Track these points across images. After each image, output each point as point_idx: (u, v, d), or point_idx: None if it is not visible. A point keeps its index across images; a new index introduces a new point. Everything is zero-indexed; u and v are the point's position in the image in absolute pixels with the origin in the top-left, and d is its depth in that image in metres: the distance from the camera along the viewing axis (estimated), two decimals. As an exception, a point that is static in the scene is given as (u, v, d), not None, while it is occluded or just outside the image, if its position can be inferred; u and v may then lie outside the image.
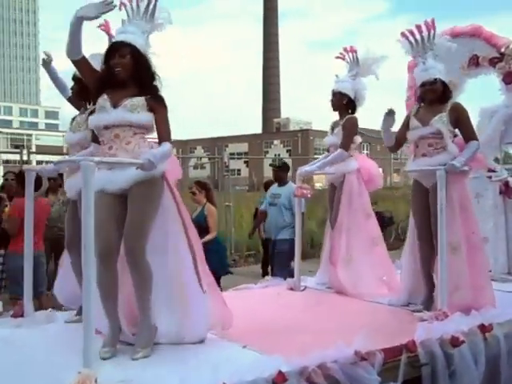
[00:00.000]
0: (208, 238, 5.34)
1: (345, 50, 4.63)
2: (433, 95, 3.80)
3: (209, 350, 2.84)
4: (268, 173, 9.56)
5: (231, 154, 33.13)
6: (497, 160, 5.42)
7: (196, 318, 2.89)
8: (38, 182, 5.34)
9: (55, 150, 56.09)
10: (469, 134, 3.74)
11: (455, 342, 3.16)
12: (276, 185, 6.40)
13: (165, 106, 2.98)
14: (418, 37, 3.87)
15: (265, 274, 8.84)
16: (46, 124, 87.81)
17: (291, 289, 4.46)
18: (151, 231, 2.82)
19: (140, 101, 2.88)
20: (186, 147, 51.62)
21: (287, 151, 46.16)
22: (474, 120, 5.34)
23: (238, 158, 36.73)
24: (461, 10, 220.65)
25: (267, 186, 7.09)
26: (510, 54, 5.05)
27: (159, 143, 2.95)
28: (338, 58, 4.69)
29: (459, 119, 3.73)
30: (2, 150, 50.76)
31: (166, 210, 2.91)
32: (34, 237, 4.60)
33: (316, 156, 31.42)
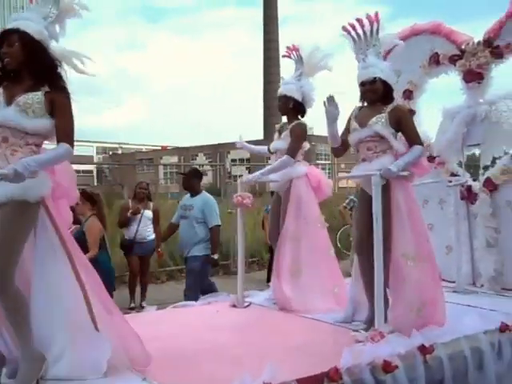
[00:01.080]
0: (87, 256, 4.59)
1: (288, 48, 4.33)
2: (373, 95, 3.51)
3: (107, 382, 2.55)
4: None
5: (233, 160, 32.74)
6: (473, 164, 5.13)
7: (87, 359, 2.55)
8: None
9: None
10: (412, 138, 3.43)
11: (387, 367, 2.85)
12: (189, 195, 5.74)
13: (65, 97, 2.59)
14: (360, 31, 3.56)
15: (270, 279, 8.43)
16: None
17: (234, 305, 4.16)
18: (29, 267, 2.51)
19: (35, 97, 2.54)
20: (187, 154, 51.44)
21: (290, 157, 45.52)
22: (438, 121, 5.12)
23: (240, 165, 36.45)
24: (461, 13, 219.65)
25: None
26: (471, 51, 4.75)
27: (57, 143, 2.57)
28: (284, 56, 4.39)
29: (400, 121, 3.43)
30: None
31: (46, 246, 2.55)
32: None
33: (318, 162, 31.22)
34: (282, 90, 4.25)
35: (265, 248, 9.38)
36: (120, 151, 67.48)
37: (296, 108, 4.21)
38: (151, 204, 6.90)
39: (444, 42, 4.98)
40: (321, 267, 4.13)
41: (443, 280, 5.00)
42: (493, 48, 4.62)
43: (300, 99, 4.22)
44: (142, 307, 6.41)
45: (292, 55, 4.31)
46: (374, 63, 3.44)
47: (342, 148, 3.75)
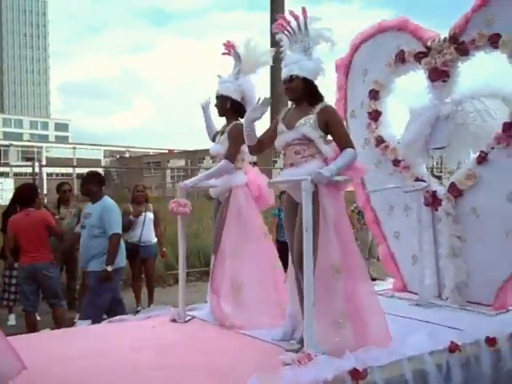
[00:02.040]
0: None
1: (224, 45, 4.05)
2: (292, 94, 3.26)
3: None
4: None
5: None
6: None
7: None
8: (34, 195, 5.44)
9: (65, 162, 56.61)
10: (343, 141, 3.17)
11: (309, 396, 2.59)
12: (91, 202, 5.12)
13: None
14: (293, 25, 3.29)
15: None
16: (56, 136, 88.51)
17: (174, 320, 3.89)
18: None
19: None
20: (194, 158, 51.45)
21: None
22: (404, 121, 4.81)
23: None
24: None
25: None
26: (436, 48, 4.45)
27: None
28: (224, 54, 4.11)
29: (330, 123, 3.16)
30: (13, 163, 51.44)
31: None
32: (39, 249, 5.13)
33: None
34: (219, 89, 3.98)
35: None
36: (127, 154, 67.71)
37: (234, 108, 3.93)
38: (151, 206, 6.88)
39: (410, 39, 4.67)
40: (265, 281, 3.85)
41: (410, 292, 4.75)
42: (458, 44, 4.31)
43: (239, 99, 3.95)
44: None
45: (231, 52, 4.03)
46: (294, 60, 3.21)
47: (257, 147, 3.52)
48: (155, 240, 6.79)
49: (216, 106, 4.05)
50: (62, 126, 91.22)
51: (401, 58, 4.72)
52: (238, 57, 3.97)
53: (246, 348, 3.31)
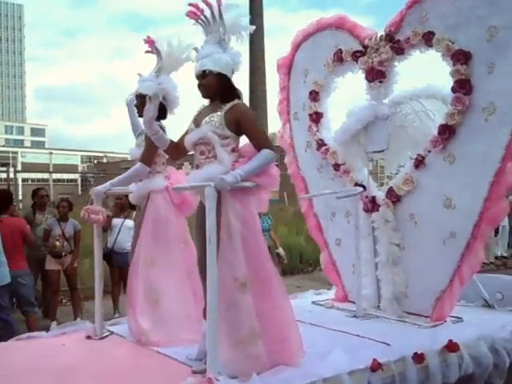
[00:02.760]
0: None
1: (144, 41, 3.76)
2: (205, 92, 3.01)
3: None
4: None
5: None
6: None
7: None
8: (8, 202, 5.47)
9: (41, 168, 55.68)
10: (258, 141, 2.91)
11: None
12: None
13: None
14: (207, 13, 3.01)
15: None
16: (31, 141, 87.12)
17: (89, 337, 3.60)
18: None
19: None
20: (173, 164, 50.92)
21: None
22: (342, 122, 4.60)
23: None
24: None
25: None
26: (373, 47, 4.25)
27: None
28: (147, 52, 3.82)
29: (240, 122, 2.90)
30: (-14, 168, 50.74)
31: None
32: (14, 257, 5.07)
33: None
34: (138, 88, 3.71)
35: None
36: (105, 160, 66.86)
37: None
38: (134, 213, 6.46)
39: (348, 38, 4.47)
40: (184, 293, 3.59)
41: (351, 302, 4.53)
42: (393, 43, 4.11)
43: (160, 98, 3.67)
44: None
45: (153, 49, 3.75)
46: (206, 53, 2.94)
47: (175, 151, 3.29)
48: None
49: (136, 105, 3.79)
50: (38, 131, 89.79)
51: (339, 57, 4.52)
52: (158, 53, 3.69)
53: (153, 369, 3.04)
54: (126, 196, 6.48)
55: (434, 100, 4.15)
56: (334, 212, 4.69)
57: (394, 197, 4.13)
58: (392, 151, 4.27)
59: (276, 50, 5.29)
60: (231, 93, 2.97)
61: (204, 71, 2.91)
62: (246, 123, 2.90)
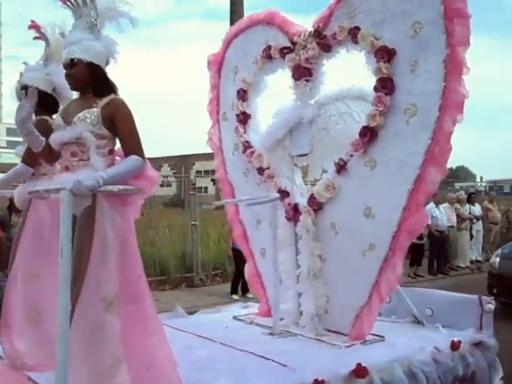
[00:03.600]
0: None
1: (29, 27, 3.39)
2: (74, 83, 2.67)
3: None
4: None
5: (198, 171, 32.02)
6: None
7: None
8: None
9: (17, 168, 54.80)
10: (129, 145, 2.56)
11: None
12: None
13: None
14: None
15: (234, 291, 7.94)
16: (7, 141, 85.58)
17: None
18: None
19: None
20: (152, 165, 50.29)
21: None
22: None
23: (204, 177, 35.74)
24: None
25: None
26: (302, 44, 3.96)
27: None
28: (35, 38, 3.45)
29: (115, 120, 2.55)
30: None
31: None
32: None
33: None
34: (23, 78, 3.34)
35: (228, 260, 9.44)
36: (83, 162, 65.96)
37: (42, 101, 3.26)
38: None
39: (277, 34, 4.17)
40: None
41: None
42: (321, 39, 3.83)
43: (48, 90, 3.32)
44: None
45: (40, 35, 3.39)
46: (75, 39, 2.60)
47: (49, 153, 2.92)
48: None
49: (20, 98, 3.42)
50: (14, 131, 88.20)
51: (267, 54, 4.22)
52: (46, 40, 3.33)
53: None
54: None
55: (362, 101, 3.87)
56: (260, 220, 4.37)
57: (315, 204, 3.82)
58: (316, 155, 3.99)
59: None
60: (105, 86, 2.63)
61: (72, 59, 2.57)
62: (121, 122, 2.56)
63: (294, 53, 4.00)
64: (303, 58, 3.91)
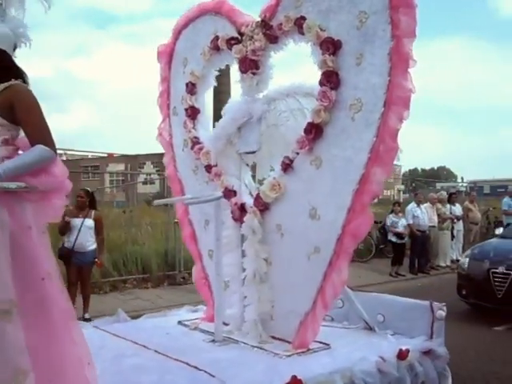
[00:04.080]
0: None
1: None
2: None
3: None
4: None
5: None
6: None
7: None
8: None
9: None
10: (34, 133, 2.33)
11: None
12: None
13: None
14: None
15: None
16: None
17: None
18: None
19: None
20: (135, 162, 49.93)
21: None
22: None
23: None
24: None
25: None
26: (249, 34, 3.74)
27: None
28: None
29: (16, 107, 2.32)
30: None
31: None
32: None
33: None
34: None
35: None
36: (64, 157, 65.09)
37: None
38: (92, 212, 6.66)
39: (226, 23, 3.96)
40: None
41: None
42: (267, 29, 3.62)
43: None
44: (86, 319, 6.13)
45: None
46: None
47: None
48: (93, 247, 6.64)
49: None
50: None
51: (215, 45, 4.00)
52: None
53: None
54: (88, 193, 6.67)
55: (313, 98, 3.66)
56: (208, 220, 4.16)
57: (261, 205, 3.62)
58: (264, 153, 3.79)
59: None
60: (9, 72, 2.39)
61: None
62: (23, 110, 2.32)
63: (242, 44, 3.79)
64: (250, 49, 3.71)
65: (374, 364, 3.10)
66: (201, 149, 4.12)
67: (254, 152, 3.80)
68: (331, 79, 3.19)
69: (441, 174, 53.47)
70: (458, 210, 12.79)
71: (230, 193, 3.87)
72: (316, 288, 3.30)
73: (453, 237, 12.51)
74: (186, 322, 4.06)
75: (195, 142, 4.19)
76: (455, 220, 12.56)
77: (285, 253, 3.51)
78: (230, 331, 3.75)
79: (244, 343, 3.52)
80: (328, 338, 3.51)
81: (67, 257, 6.48)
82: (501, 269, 7.40)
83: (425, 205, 11.69)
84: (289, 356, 3.23)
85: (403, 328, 3.71)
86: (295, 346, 3.36)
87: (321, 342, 3.44)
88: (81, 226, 6.51)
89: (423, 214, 11.35)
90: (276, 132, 3.69)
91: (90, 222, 6.59)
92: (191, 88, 4.23)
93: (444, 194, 12.91)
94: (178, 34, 4.41)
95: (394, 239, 11.29)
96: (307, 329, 3.36)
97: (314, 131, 3.28)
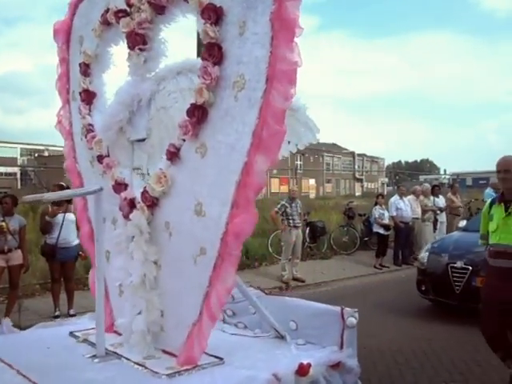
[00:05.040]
0: None
1: None
2: None
3: None
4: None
5: None
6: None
7: None
8: None
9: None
10: None
11: None
12: None
13: None
14: None
15: None
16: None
17: None
18: None
19: None
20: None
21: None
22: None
23: None
24: (391, 27, 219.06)
25: None
26: (137, 5, 3.26)
27: None
28: None
29: None
30: None
31: None
32: None
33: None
34: None
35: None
36: (46, 153, 64.09)
37: None
38: (72, 206, 6.52)
39: (119, -6, 3.49)
40: None
41: (115, 333, 3.55)
42: (152, -3, 3.14)
43: None
44: (71, 315, 6.16)
45: None
46: None
47: None
48: (76, 242, 6.65)
49: None
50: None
51: (104, 19, 3.53)
52: None
53: None
54: (62, 188, 6.35)
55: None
56: (105, 218, 3.68)
57: (148, 200, 3.15)
58: (154, 140, 3.32)
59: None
60: None
61: None
62: None
63: (130, 17, 3.32)
64: (136, 22, 3.24)
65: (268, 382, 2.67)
66: (93, 137, 3.65)
67: (144, 139, 3.33)
68: (213, 52, 2.73)
69: (424, 167, 53.39)
70: (441, 201, 12.83)
71: (119, 186, 3.41)
72: (202, 296, 2.85)
73: (435, 228, 12.47)
74: (78, 333, 3.59)
75: (89, 129, 3.71)
76: (438, 212, 12.55)
77: (172, 255, 3.06)
78: (121, 343, 3.30)
79: (127, 359, 3.07)
80: (227, 351, 3.08)
81: (50, 253, 6.59)
82: (459, 263, 7.05)
83: (408, 197, 11.84)
84: (169, 375, 2.78)
85: (315, 336, 3.29)
86: (180, 362, 2.91)
87: (215, 356, 3.01)
88: (63, 222, 6.56)
89: (406, 206, 11.51)
90: (165, 116, 3.23)
91: (72, 216, 6.57)
92: (85, 69, 3.74)
93: (427, 186, 12.97)
94: (74, 7, 3.92)
95: (381, 231, 11.42)
96: (193, 342, 2.90)
97: (198, 114, 2.82)
